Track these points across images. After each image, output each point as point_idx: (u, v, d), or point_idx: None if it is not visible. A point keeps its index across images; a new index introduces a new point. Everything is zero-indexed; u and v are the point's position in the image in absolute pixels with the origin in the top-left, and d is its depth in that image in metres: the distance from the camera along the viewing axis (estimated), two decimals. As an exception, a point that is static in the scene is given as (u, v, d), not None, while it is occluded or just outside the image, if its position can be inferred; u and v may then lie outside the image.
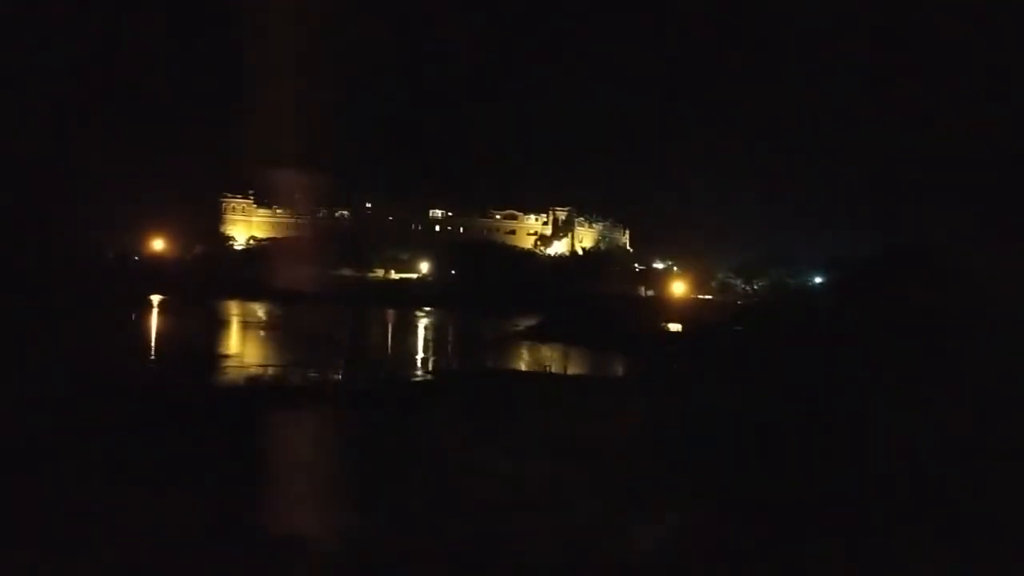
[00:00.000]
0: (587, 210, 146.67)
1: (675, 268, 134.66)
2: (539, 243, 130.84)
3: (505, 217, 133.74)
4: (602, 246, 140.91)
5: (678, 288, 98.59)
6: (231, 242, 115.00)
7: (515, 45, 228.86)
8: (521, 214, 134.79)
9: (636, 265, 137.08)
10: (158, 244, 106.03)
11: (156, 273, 79.19)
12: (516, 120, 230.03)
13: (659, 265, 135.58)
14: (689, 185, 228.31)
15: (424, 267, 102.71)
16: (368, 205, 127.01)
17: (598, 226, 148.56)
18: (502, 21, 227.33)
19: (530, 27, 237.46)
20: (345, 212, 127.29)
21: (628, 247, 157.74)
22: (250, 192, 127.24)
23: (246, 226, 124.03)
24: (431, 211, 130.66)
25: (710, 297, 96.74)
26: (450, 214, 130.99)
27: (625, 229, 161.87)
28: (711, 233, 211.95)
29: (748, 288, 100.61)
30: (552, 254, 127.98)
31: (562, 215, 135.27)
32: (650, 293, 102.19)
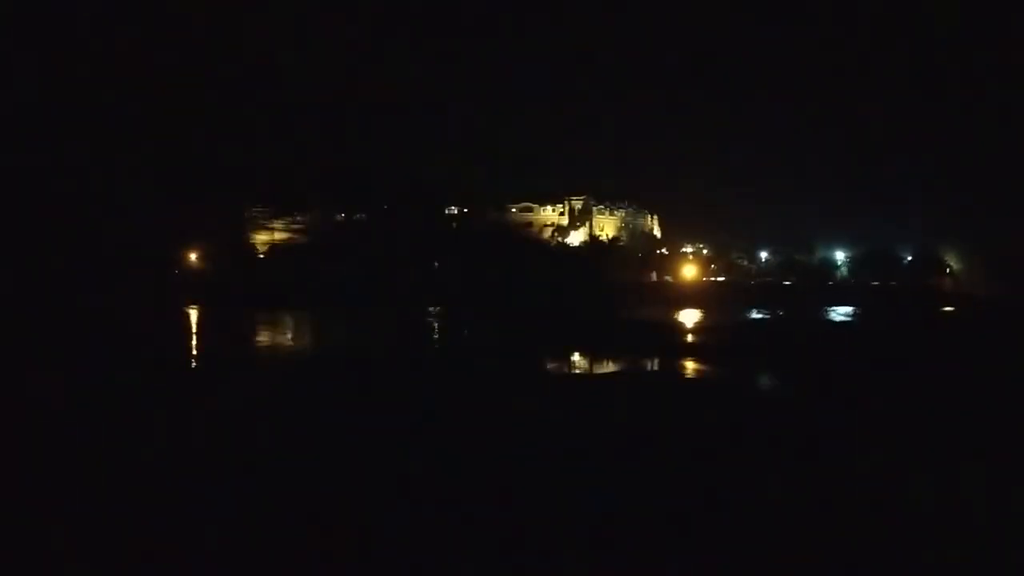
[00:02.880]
0: (608, 197, 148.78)
1: (704, 251, 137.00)
2: (556, 234, 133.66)
3: (521, 210, 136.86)
4: (624, 234, 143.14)
5: (689, 271, 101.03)
6: (255, 251, 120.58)
7: (528, 28, 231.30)
8: (537, 206, 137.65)
9: (661, 250, 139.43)
10: (193, 256, 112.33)
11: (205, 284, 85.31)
12: (536, 108, 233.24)
13: (688, 249, 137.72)
14: (717, 168, 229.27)
15: (436, 264, 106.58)
16: (384, 206, 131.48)
17: (620, 213, 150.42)
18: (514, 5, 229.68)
19: (542, 7, 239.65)
20: (363, 215, 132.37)
21: (655, 232, 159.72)
22: (270, 198, 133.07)
23: (267, 234, 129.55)
24: (447, 208, 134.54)
25: (723, 279, 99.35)
26: (466, 210, 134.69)
27: (652, 215, 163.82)
28: (739, 215, 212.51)
29: (754, 266, 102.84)
30: (571, 244, 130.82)
31: (578, 204, 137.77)
32: (667, 278, 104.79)
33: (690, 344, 30.22)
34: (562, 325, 38.78)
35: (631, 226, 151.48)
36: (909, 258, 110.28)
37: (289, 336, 35.54)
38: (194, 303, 61.64)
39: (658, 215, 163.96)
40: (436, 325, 43.49)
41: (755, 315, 53.83)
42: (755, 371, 21.45)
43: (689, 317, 49.34)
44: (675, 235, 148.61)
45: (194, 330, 37.64)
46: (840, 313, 57.28)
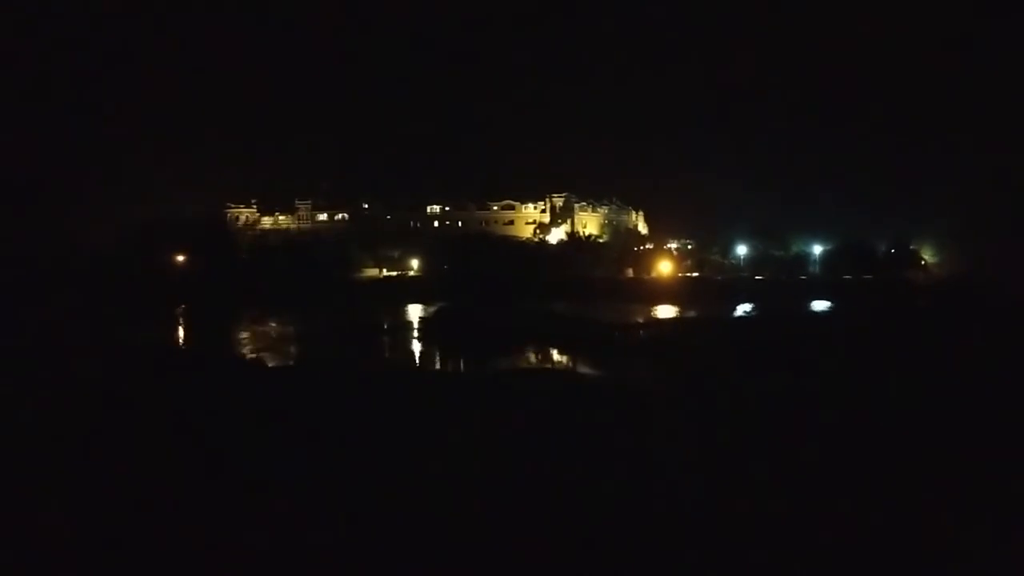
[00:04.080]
0: (592, 195, 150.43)
1: (690, 247, 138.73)
2: (538, 231, 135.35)
3: (503, 208, 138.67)
4: (607, 231, 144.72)
5: (664, 268, 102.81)
6: (237, 252, 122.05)
7: (505, 29, 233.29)
8: (518, 204, 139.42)
9: (644, 246, 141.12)
10: (180, 258, 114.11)
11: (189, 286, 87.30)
12: (520, 109, 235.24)
13: (673, 245, 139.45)
14: (705, 164, 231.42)
15: (416, 263, 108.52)
16: (365, 206, 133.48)
17: (603, 210, 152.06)
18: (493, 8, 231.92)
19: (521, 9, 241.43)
20: (344, 215, 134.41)
21: (640, 229, 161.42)
22: (253, 201, 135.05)
23: (252, 234, 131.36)
24: (429, 207, 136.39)
25: (695, 275, 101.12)
26: (447, 208, 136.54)
27: (637, 211, 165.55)
28: (728, 211, 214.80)
29: (729, 262, 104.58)
30: (552, 242, 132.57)
31: (559, 202, 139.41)
32: (645, 275, 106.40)
33: (601, 342, 32.12)
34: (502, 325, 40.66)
35: (615, 223, 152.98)
36: (892, 250, 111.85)
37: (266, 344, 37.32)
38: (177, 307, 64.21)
39: (644, 212, 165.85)
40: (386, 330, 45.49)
41: (691, 312, 55.83)
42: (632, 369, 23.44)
43: (636, 314, 51.39)
44: (663, 231, 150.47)
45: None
46: (788, 307, 59.25)
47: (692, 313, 54.40)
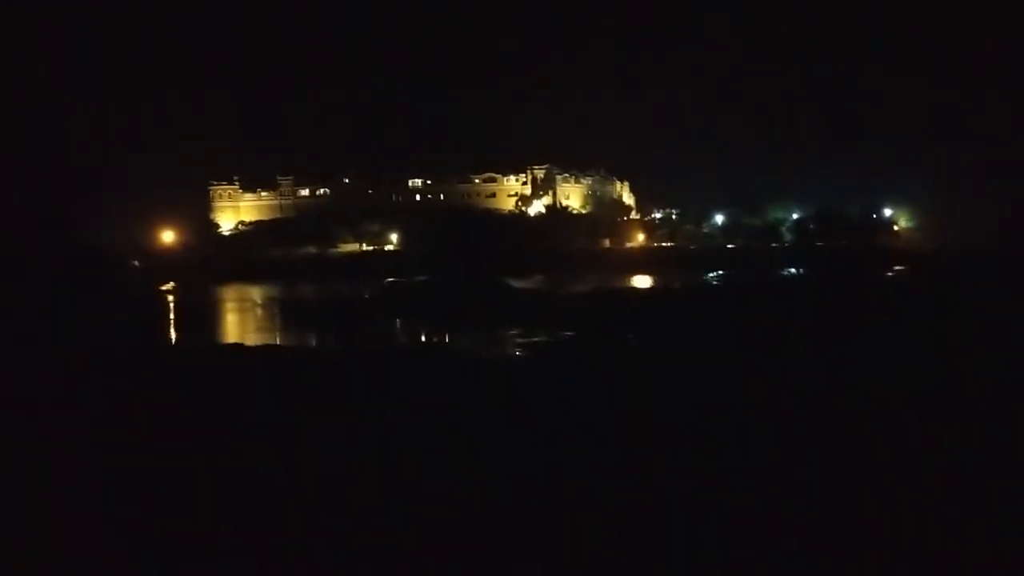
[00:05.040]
0: (575, 166, 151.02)
1: (675, 217, 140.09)
2: (520, 203, 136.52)
3: (484, 180, 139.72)
4: (590, 202, 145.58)
5: (639, 237, 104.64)
6: (218, 228, 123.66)
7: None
8: (500, 176, 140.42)
9: (629, 217, 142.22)
10: (167, 236, 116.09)
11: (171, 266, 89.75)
12: (508, 82, 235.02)
13: (658, 215, 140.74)
14: (691, 134, 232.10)
15: (395, 238, 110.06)
16: (346, 180, 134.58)
17: (587, 180, 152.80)
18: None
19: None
20: (326, 190, 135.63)
21: (625, 199, 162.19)
22: (235, 178, 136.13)
23: (234, 211, 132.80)
24: (410, 180, 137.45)
25: (668, 244, 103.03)
26: (429, 182, 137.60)
27: (622, 182, 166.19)
28: (712, 181, 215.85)
29: (703, 231, 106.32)
30: (532, 214, 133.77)
31: (540, 173, 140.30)
32: (624, 246, 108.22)
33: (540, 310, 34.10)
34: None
35: (599, 194, 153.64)
36: (866, 217, 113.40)
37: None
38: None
39: (630, 182, 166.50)
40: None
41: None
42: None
43: (604, 284, 53.48)
44: (650, 202, 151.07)
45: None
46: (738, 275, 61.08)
47: (646, 283, 56.48)
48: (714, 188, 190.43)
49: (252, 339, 30.92)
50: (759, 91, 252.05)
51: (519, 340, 26.54)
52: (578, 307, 35.17)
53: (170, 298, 64.59)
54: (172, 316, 49.44)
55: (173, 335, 38.91)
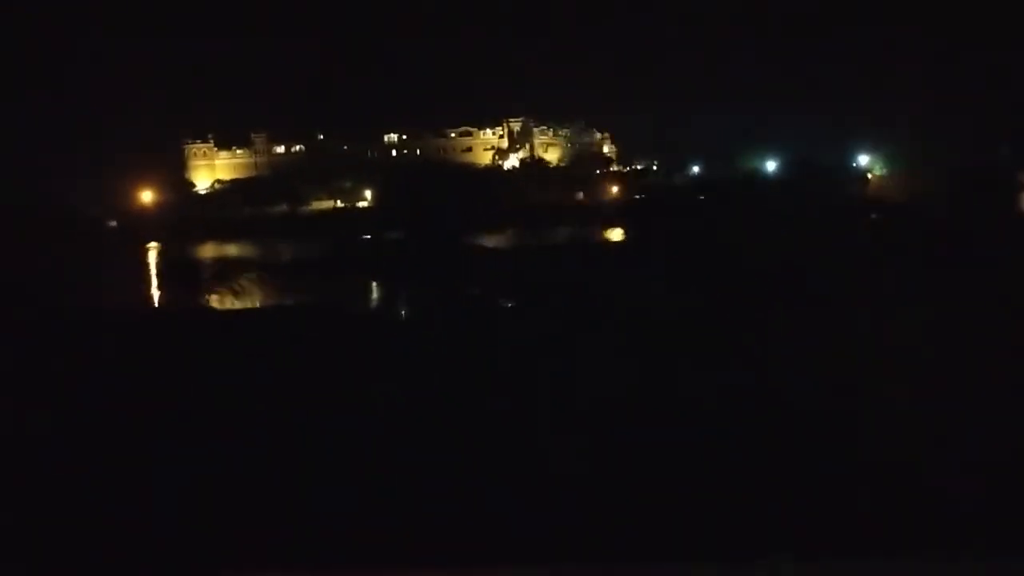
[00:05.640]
0: (553, 117, 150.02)
1: (655, 168, 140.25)
2: (497, 157, 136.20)
3: (460, 134, 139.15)
4: (568, 154, 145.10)
5: (613, 190, 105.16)
6: (193, 188, 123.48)
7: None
8: (476, 130, 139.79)
9: (609, 169, 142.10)
10: (146, 196, 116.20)
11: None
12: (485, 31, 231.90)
13: (639, 167, 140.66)
14: (675, 85, 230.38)
15: (369, 194, 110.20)
16: (321, 136, 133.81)
17: (565, 132, 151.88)
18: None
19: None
20: (301, 146, 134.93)
21: (606, 151, 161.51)
22: (210, 136, 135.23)
23: (209, 170, 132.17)
24: (386, 136, 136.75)
25: (639, 196, 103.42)
26: (405, 137, 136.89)
27: (603, 133, 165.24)
28: (692, 132, 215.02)
29: (674, 183, 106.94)
30: (509, 167, 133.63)
31: (516, 126, 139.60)
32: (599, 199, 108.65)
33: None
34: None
35: (577, 146, 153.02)
36: (850, 166, 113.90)
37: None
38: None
39: (610, 133, 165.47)
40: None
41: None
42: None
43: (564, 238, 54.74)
44: (632, 153, 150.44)
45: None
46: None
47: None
48: (693, 139, 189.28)
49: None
50: (737, 39, 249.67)
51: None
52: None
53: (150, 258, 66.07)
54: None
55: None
